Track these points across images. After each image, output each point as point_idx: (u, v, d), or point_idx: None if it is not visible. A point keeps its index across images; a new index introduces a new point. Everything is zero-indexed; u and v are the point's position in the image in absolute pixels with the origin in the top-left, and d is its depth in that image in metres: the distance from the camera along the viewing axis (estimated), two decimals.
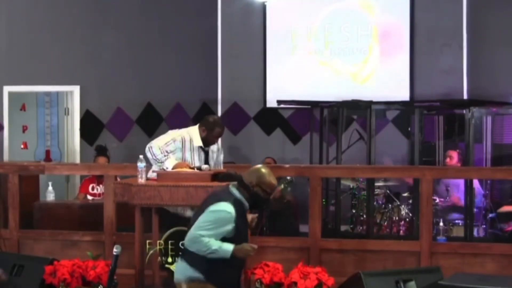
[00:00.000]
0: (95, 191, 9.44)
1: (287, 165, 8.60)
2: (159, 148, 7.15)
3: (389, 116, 10.75)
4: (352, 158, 9.89)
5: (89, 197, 9.38)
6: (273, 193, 5.79)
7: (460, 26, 11.02)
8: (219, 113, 11.61)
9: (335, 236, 8.66)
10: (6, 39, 10.30)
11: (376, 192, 9.40)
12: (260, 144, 11.49)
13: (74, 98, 10.76)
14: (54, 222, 8.44)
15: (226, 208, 5.47)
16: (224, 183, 6.51)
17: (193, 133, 7.27)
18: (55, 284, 7.52)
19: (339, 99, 10.30)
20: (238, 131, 11.66)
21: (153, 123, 11.08)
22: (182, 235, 6.85)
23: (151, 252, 7.08)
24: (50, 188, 8.87)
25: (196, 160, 7.27)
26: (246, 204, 5.58)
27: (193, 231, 5.51)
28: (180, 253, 6.96)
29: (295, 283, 7.18)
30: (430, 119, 10.40)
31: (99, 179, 9.34)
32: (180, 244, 7.01)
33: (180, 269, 5.64)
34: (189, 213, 7.00)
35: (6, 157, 10.21)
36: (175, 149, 7.19)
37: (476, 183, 9.07)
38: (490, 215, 9.22)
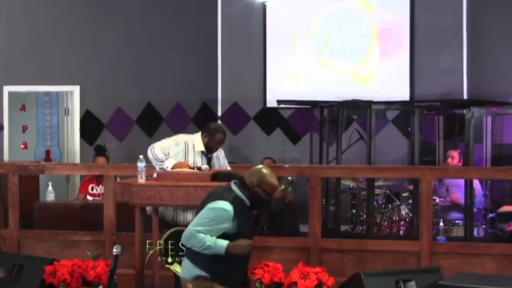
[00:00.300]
0: (94, 191, 9.44)
1: (287, 165, 8.60)
2: (161, 149, 7.17)
3: (389, 116, 10.75)
4: (352, 158, 9.89)
5: (89, 198, 9.38)
6: (274, 194, 5.79)
7: (460, 26, 11.02)
8: (219, 113, 11.61)
9: (335, 236, 8.66)
10: (6, 39, 10.30)
11: (376, 192, 9.39)
12: (260, 144, 11.49)
13: (74, 98, 10.76)
14: (54, 222, 8.44)
15: (223, 205, 5.49)
16: (224, 183, 6.51)
17: (195, 140, 7.29)
18: (55, 284, 7.51)
19: (339, 99, 10.30)
20: (238, 131, 11.66)
21: (153, 123, 11.08)
22: (182, 235, 6.86)
23: (151, 252, 7.08)
24: (50, 188, 8.87)
25: (199, 164, 7.26)
26: (247, 202, 5.58)
27: (189, 227, 5.55)
28: (181, 252, 7.01)
29: (295, 283, 7.18)
30: (430, 119, 10.39)
31: (98, 179, 9.34)
32: (180, 244, 7.03)
33: (185, 268, 5.67)
34: (181, 218, 7.03)
35: (6, 157, 10.21)
36: (177, 152, 7.21)
37: (476, 183, 9.06)
38: (490, 215, 9.22)
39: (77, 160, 10.67)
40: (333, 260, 7.69)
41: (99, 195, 9.31)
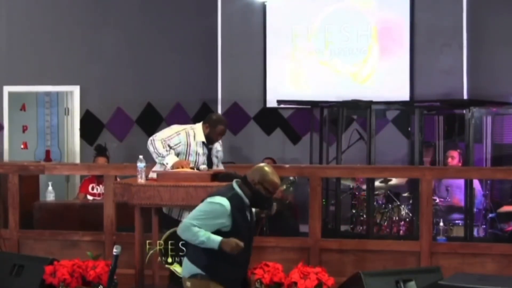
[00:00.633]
0: (95, 191, 9.44)
1: (287, 165, 8.60)
2: (162, 142, 7.16)
3: (389, 116, 10.75)
4: (352, 158, 9.89)
5: (89, 197, 9.38)
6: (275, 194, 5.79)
7: (460, 26, 11.02)
8: (219, 113, 11.61)
9: (335, 236, 8.66)
10: (6, 39, 10.30)
11: (376, 192, 9.39)
12: (260, 144, 11.49)
13: (74, 98, 10.76)
14: (54, 222, 8.44)
15: (220, 201, 5.51)
16: (224, 183, 6.51)
17: (197, 130, 7.29)
18: (55, 284, 7.52)
19: (339, 99, 10.30)
20: (238, 131, 11.66)
21: (153, 123, 11.08)
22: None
23: (151, 252, 7.08)
24: (50, 188, 8.87)
25: (201, 154, 7.26)
26: (247, 200, 5.59)
27: (185, 220, 5.59)
28: (181, 252, 7.01)
29: (295, 283, 7.19)
30: (430, 119, 10.39)
31: (99, 179, 9.34)
32: (180, 244, 7.03)
33: (185, 266, 5.69)
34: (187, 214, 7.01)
35: (6, 157, 10.21)
36: (178, 142, 7.19)
37: (476, 183, 9.06)
38: (490, 215, 9.21)
39: (77, 160, 10.67)
40: (333, 260, 7.69)
41: (99, 195, 9.31)
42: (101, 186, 9.23)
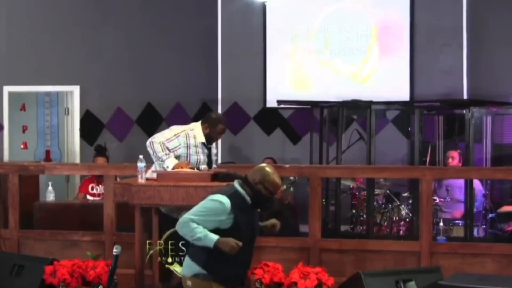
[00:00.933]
0: (94, 191, 9.44)
1: (287, 165, 8.60)
2: (161, 145, 7.15)
3: (389, 116, 10.75)
4: (352, 158, 9.89)
5: (89, 197, 9.38)
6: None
7: (460, 26, 11.02)
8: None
9: (335, 236, 8.66)
10: (6, 39, 10.30)
11: (376, 192, 9.39)
12: (260, 144, 11.49)
13: (74, 98, 10.76)
14: (54, 222, 8.44)
15: (220, 198, 5.51)
16: (224, 183, 6.52)
17: (196, 130, 7.29)
18: (55, 284, 7.52)
19: (339, 99, 10.30)
20: (238, 131, 11.66)
21: (153, 123, 11.08)
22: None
23: (151, 252, 7.08)
24: (50, 188, 8.87)
25: (201, 156, 7.27)
26: (249, 200, 5.59)
27: (184, 216, 5.58)
28: (181, 252, 7.01)
29: (295, 283, 7.19)
30: (430, 119, 10.40)
31: (98, 179, 9.34)
32: (180, 244, 7.04)
33: (186, 265, 5.67)
34: None
35: (6, 157, 10.21)
36: (178, 145, 7.19)
37: (476, 183, 9.06)
38: (490, 215, 9.22)
39: (77, 160, 10.67)
40: (333, 260, 7.69)
41: (99, 195, 9.31)
42: (100, 186, 9.23)
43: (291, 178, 9.49)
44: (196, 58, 11.45)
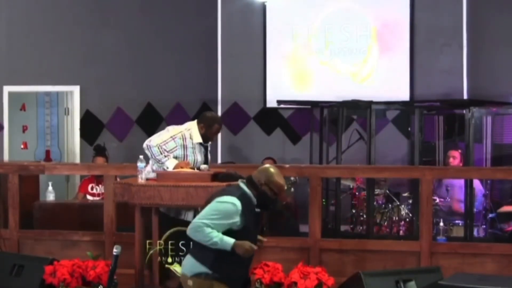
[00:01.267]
0: (94, 191, 9.44)
1: (287, 165, 8.60)
2: (159, 148, 7.16)
3: (389, 116, 10.75)
4: (352, 158, 9.89)
5: (89, 197, 9.38)
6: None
7: (460, 26, 11.01)
8: (219, 113, 11.60)
9: (335, 236, 8.66)
10: (6, 39, 10.31)
11: (376, 192, 9.39)
12: (260, 144, 11.48)
13: (74, 98, 10.77)
14: (54, 222, 8.44)
15: (232, 200, 5.49)
16: (224, 183, 6.52)
17: (192, 130, 7.30)
18: (55, 284, 7.52)
19: (339, 99, 10.29)
20: (238, 131, 11.66)
21: (153, 123, 11.08)
22: (182, 235, 6.86)
23: (151, 252, 7.08)
24: (50, 188, 8.86)
25: (198, 156, 7.29)
26: (254, 200, 5.58)
27: (196, 220, 5.52)
28: (181, 252, 7.01)
29: (295, 283, 7.19)
30: (430, 119, 10.39)
31: (98, 179, 9.34)
32: (181, 244, 7.04)
33: (188, 264, 5.63)
34: (190, 217, 7.02)
35: (6, 157, 10.21)
36: (174, 146, 7.20)
37: (476, 183, 9.06)
38: (490, 215, 9.21)
39: (77, 160, 10.67)
40: (333, 260, 7.69)
41: (99, 194, 9.31)
42: (100, 186, 9.23)
43: (292, 178, 9.49)
44: (196, 58, 11.44)
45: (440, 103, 9.98)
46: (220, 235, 5.44)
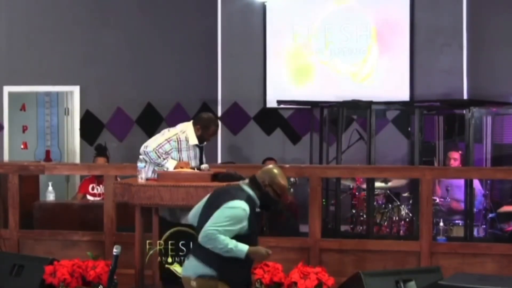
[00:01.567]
0: (95, 191, 9.44)
1: (287, 165, 8.60)
2: (156, 152, 7.21)
3: (389, 116, 10.75)
4: (352, 158, 9.89)
5: (89, 197, 9.38)
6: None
7: (460, 26, 11.02)
8: (219, 113, 11.61)
9: (335, 236, 8.66)
10: (6, 39, 10.30)
11: (376, 192, 9.39)
12: (260, 144, 11.49)
13: (74, 98, 10.77)
14: (54, 222, 8.44)
15: (241, 205, 5.45)
16: (224, 183, 6.52)
17: (188, 132, 7.30)
18: (55, 284, 7.52)
19: (339, 99, 10.30)
20: (238, 131, 11.66)
21: (153, 123, 11.08)
22: (182, 235, 6.87)
23: (151, 252, 7.08)
24: (50, 188, 8.87)
25: (192, 158, 7.31)
26: (258, 202, 5.57)
27: (209, 228, 5.43)
28: (181, 252, 7.01)
29: (295, 283, 7.19)
30: (430, 119, 10.39)
31: (99, 179, 9.34)
32: (181, 244, 7.04)
33: (191, 266, 5.60)
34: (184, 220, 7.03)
35: (6, 157, 10.21)
36: (170, 149, 7.23)
37: (476, 183, 9.06)
38: (490, 215, 9.21)
39: (77, 160, 10.67)
40: (333, 260, 7.69)
41: (99, 194, 9.31)
42: (101, 186, 9.23)
43: (292, 179, 9.49)
44: (196, 58, 11.44)
45: (440, 103, 9.98)
46: (234, 242, 5.40)
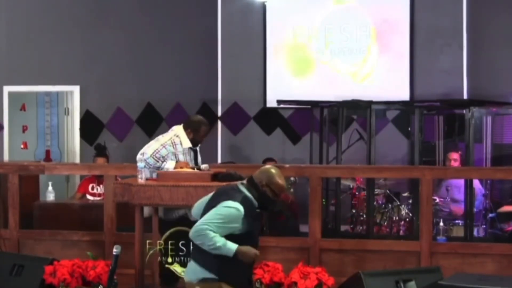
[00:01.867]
0: (95, 190, 9.44)
1: (287, 165, 8.60)
2: (153, 158, 7.25)
3: (389, 116, 10.75)
4: (352, 158, 9.88)
5: (89, 197, 9.38)
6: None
7: (460, 26, 11.02)
8: (219, 113, 11.61)
9: (335, 236, 8.65)
10: (6, 39, 10.31)
11: (376, 192, 9.39)
12: (260, 144, 11.49)
13: (74, 98, 10.77)
14: (54, 222, 8.44)
15: (236, 205, 5.46)
16: (224, 183, 6.52)
17: (180, 135, 7.34)
18: (55, 284, 7.52)
19: (339, 99, 10.29)
20: (238, 131, 11.66)
21: (153, 123, 11.08)
22: (182, 235, 6.87)
23: (151, 252, 7.08)
24: (50, 188, 8.87)
25: (188, 160, 7.33)
26: (255, 203, 5.57)
27: (199, 224, 5.47)
28: (181, 252, 7.01)
29: (295, 283, 7.19)
30: (430, 119, 10.39)
31: (99, 179, 9.33)
32: (181, 244, 7.04)
33: (192, 271, 5.61)
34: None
35: (6, 157, 10.21)
36: (166, 153, 7.26)
37: (476, 183, 9.06)
38: (490, 215, 9.21)
39: (77, 160, 10.67)
40: (333, 260, 7.69)
41: (100, 194, 9.30)
42: (101, 186, 9.23)
43: (292, 179, 9.49)
44: (196, 58, 11.44)
45: (440, 103, 9.98)
46: (224, 240, 5.42)
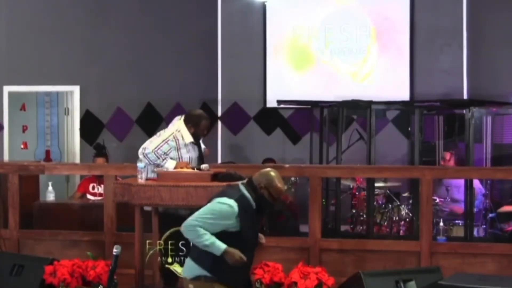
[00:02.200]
0: (95, 190, 9.44)
1: (287, 165, 8.60)
2: (155, 153, 7.22)
3: (389, 116, 10.75)
4: (352, 158, 9.88)
5: (90, 197, 9.38)
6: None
7: (460, 26, 11.02)
8: (219, 113, 11.62)
9: (335, 236, 8.65)
10: (6, 39, 10.31)
11: (376, 192, 9.39)
12: (260, 144, 11.49)
13: (74, 98, 10.77)
14: (54, 222, 8.44)
15: (229, 202, 5.47)
16: (224, 183, 6.53)
17: (183, 132, 7.34)
18: (55, 284, 7.52)
19: (339, 99, 10.29)
20: (238, 131, 11.66)
21: (153, 123, 11.08)
22: (182, 235, 6.86)
23: (151, 252, 7.08)
24: (50, 188, 8.87)
25: (193, 154, 7.33)
26: (253, 203, 5.57)
27: (191, 219, 5.50)
28: (181, 252, 7.01)
29: (295, 283, 7.19)
30: (430, 119, 10.39)
31: (100, 179, 9.33)
32: (181, 244, 7.04)
33: (188, 267, 5.64)
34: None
35: (6, 157, 10.21)
36: (169, 149, 7.25)
37: (476, 183, 9.06)
38: (490, 215, 9.21)
39: (77, 160, 10.67)
40: (333, 260, 7.69)
41: (100, 194, 9.30)
42: (102, 186, 9.23)
43: (292, 178, 9.49)
44: (196, 58, 11.45)
45: (440, 103, 9.98)
46: (213, 238, 5.42)
